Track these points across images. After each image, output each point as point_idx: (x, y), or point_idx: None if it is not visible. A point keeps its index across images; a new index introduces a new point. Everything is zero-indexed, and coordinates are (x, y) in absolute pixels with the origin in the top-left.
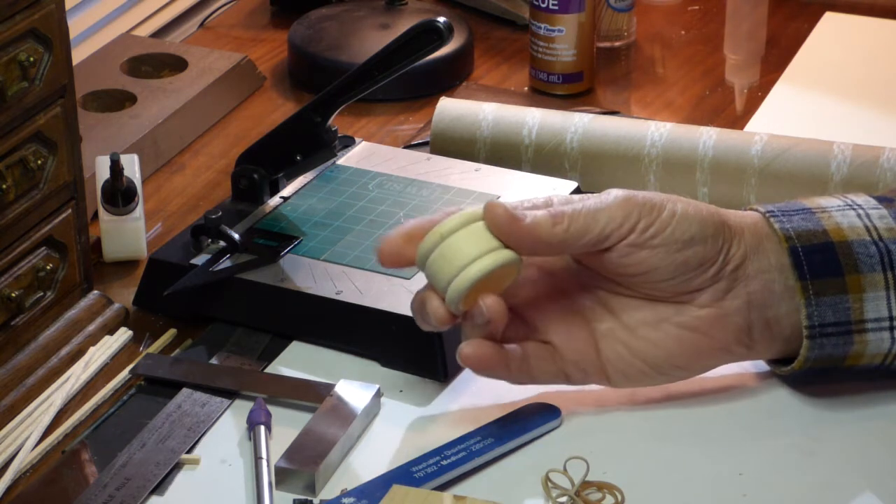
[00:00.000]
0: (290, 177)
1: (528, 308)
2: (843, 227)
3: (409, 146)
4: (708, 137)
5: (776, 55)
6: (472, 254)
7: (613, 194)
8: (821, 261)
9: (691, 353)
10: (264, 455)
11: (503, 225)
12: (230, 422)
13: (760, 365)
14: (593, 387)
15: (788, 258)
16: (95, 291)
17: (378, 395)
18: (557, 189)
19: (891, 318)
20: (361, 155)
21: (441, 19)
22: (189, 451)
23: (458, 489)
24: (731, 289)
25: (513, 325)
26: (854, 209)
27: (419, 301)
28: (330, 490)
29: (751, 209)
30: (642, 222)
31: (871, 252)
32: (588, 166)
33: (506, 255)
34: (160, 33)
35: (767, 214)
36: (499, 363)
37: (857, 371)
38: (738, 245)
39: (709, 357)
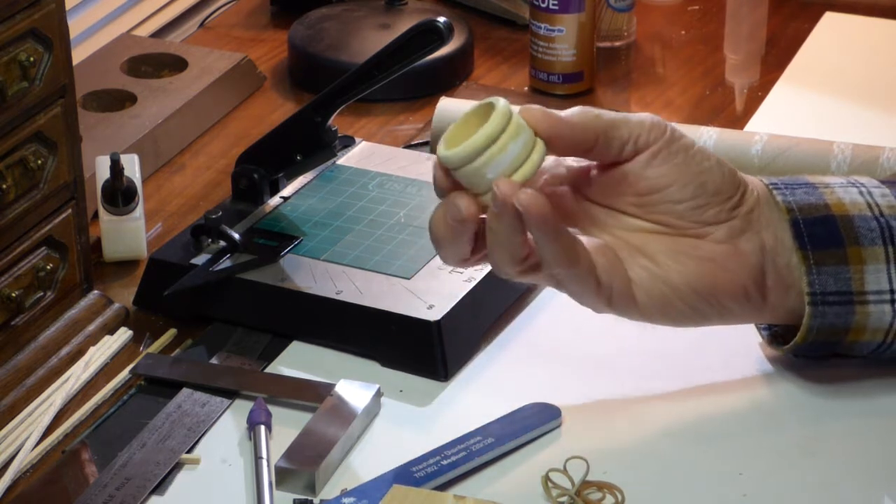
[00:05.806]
0: (290, 177)
1: None
2: (846, 202)
3: (409, 146)
4: (708, 137)
5: (776, 55)
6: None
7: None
8: (822, 232)
9: (710, 283)
10: (264, 455)
11: (542, 120)
12: (230, 422)
13: (762, 364)
14: (593, 387)
15: (790, 230)
16: (95, 291)
17: (378, 395)
18: None
19: (891, 291)
20: (361, 155)
21: (441, 19)
22: (189, 451)
23: (458, 489)
24: (745, 230)
25: None
26: (857, 187)
27: (443, 206)
28: (330, 490)
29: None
30: (668, 135)
31: (872, 227)
32: None
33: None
34: (160, 33)
35: (770, 186)
36: (552, 215)
37: (859, 350)
38: (752, 193)
39: (727, 293)
